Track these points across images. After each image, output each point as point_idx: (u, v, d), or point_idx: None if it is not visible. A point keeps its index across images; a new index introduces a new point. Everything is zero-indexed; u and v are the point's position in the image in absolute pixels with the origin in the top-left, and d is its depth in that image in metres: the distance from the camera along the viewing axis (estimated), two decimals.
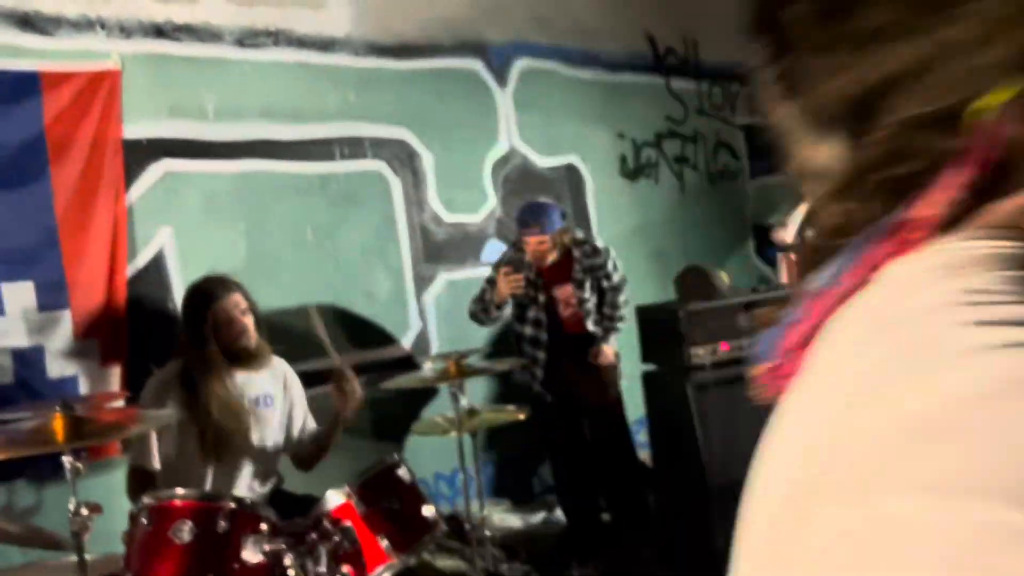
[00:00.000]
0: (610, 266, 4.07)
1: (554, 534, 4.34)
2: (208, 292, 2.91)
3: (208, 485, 2.80)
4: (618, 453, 4.14)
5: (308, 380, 3.29)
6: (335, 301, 4.22)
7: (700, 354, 3.33)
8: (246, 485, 2.92)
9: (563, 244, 3.95)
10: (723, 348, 3.39)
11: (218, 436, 2.81)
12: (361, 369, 4.27)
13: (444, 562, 3.67)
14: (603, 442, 4.16)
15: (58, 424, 1.92)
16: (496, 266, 3.70)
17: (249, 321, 2.92)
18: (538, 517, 4.56)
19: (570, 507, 4.26)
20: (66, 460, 1.94)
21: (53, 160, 3.35)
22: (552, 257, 3.94)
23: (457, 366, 2.52)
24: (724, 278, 3.55)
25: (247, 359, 2.93)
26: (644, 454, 4.65)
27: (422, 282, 4.58)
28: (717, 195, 6.09)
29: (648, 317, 3.63)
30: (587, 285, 4.04)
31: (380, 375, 4.32)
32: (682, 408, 3.34)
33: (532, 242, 3.88)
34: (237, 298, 2.92)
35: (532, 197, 4.56)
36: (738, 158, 6.27)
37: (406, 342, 4.50)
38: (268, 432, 2.98)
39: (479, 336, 4.69)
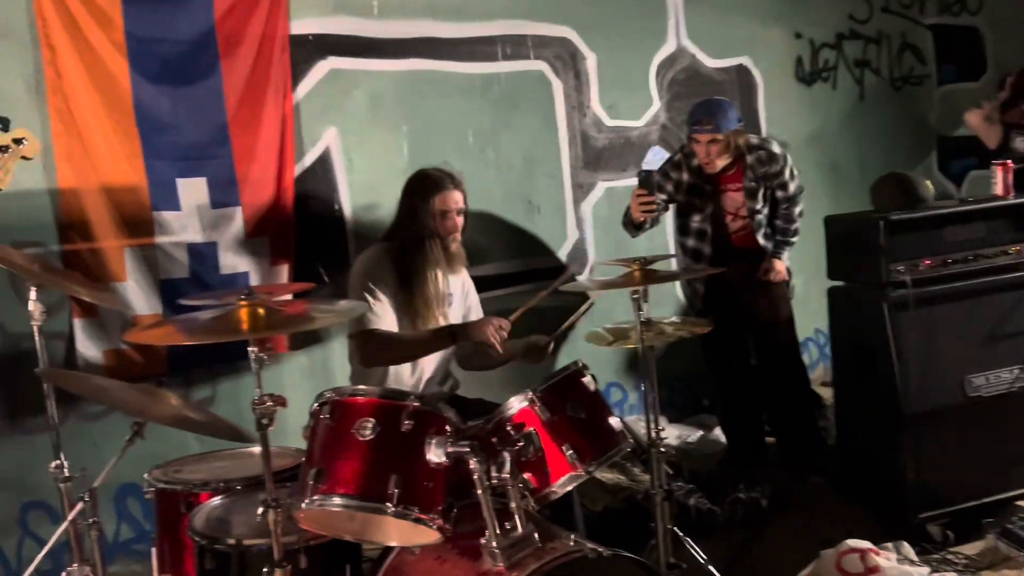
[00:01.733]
0: (787, 174, 3.75)
1: (711, 454, 4.18)
2: (437, 180, 2.90)
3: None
4: (787, 376, 3.90)
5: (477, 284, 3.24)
6: (494, 209, 4.11)
7: (900, 270, 3.02)
8: (422, 383, 2.92)
9: (737, 147, 3.65)
10: (925, 264, 3.06)
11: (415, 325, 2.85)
12: (517, 278, 4.21)
13: (605, 475, 3.58)
14: (771, 364, 3.92)
15: (244, 314, 1.88)
16: (640, 182, 3.38)
17: (461, 221, 2.90)
18: (694, 436, 4.40)
19: (732, 428, 4.07)
20: (252, 350, 1.90)
21: (224, 56, 3.33)
22: (723, 160, 3.64)
23: (643, 271, 2.34)
24: (929, 187, 3.19)
25: (447, 259, 2.89)
26: (814, 374, 4.39)
27: (580, 190, 4.40)
28: (900, 102, 5.56)
29: (839, 228, 3.31)
30: (760, 195, 3.74)
31: (536, 285, 4.24)
32: (876, 328, 3.05)
33: (703, 140, 3.59)
34: (458, 196, 2.90)
35: (700, 99, 4.25)
36: (925, 62, 5.68)
37: (562, 252, 4.36)
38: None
39: (637, 249, 4.49)
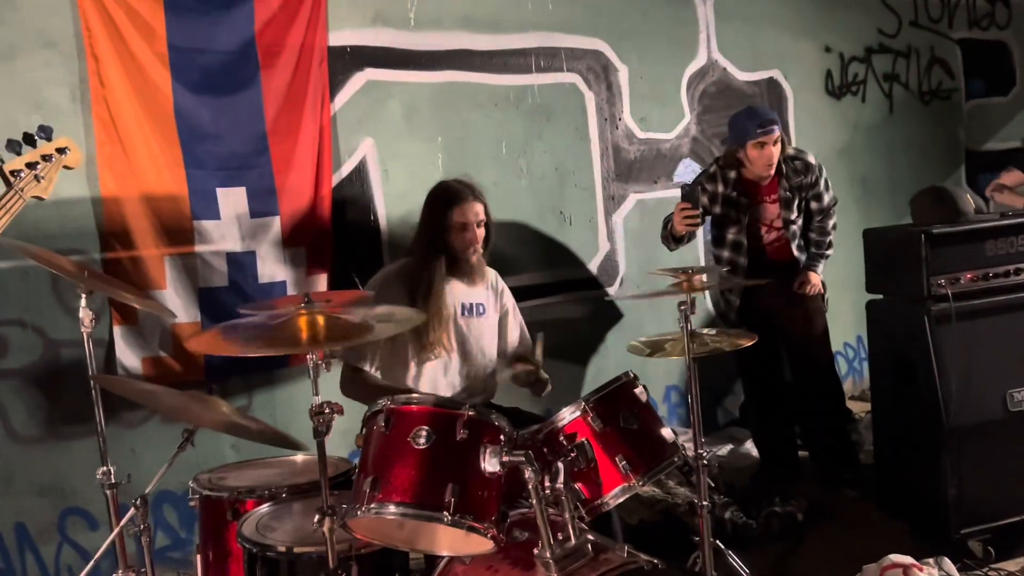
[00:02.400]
0: (821, 185, 3.74)
1: (743, 467, 4.16)
2: (455, 192, 2.90)
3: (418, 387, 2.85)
4: (823, 389, 3.88)
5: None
6: (526, 219, 4.12)
7: (941, 283, 3.00)
8: (452, 391, 2.92)
9: (784, 146, 3.66)
10: (966, 277, 3.04)
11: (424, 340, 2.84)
12: (548, 289, 4.22)
13: (642, 489, 3.55)
14: (806, 377, 3.90)
15: (303, 322, 1.89)
16: (683, 195, 3.40)
17: (481, 233, 2.89)
18: (724, 449, 4.39)
19: (765, 442, 4.05)
20: (311, 359, 1.90)
21: (264, 66, 3.36)
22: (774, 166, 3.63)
23: (690, 282, 2.34)
24: (970, 201, 3.18)
25: (467, 272, 2.89)
26: (844, 387, 4.36)
27: (612, 202, 4.40)
28: (928, 116, 5.56)
29: (878, 241, 3.30)
30: (795, 205, 3.73)
31: (566, 297, 4.25)
32: (917, 342, 3.03)
33: (769, 141, 3.52)
34: (479, 207, 2.90)
35: (730, 113, 4.25)
36: (953, 76, 5.68)
37: (593, 264, 4.36)
38: (481, 342, 2.95)
39: (667, 261, 4.49)
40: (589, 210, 4.33)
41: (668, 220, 3.61)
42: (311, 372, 1.90)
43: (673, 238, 3.62)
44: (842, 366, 5.01)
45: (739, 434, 4.48)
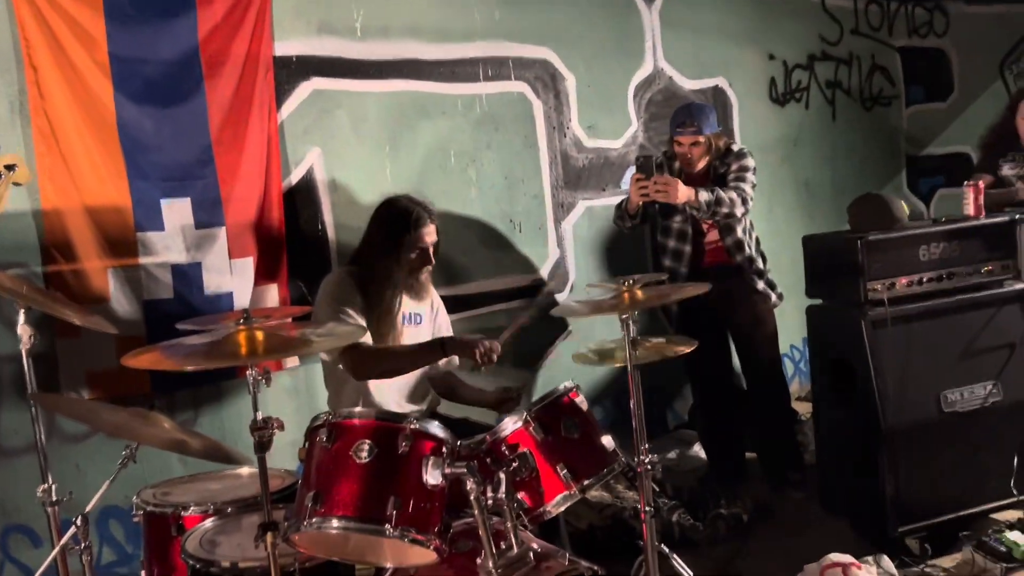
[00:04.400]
0: (749, 173, 3.69)
1: (691, 470, 4.22)
2: (415, 216, 2.87)
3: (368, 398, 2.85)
4: (769, 391, 3.95)
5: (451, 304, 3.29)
6: (476, 228, 4.14)
7: (878, 288, 3.09)
8: (396, 403, 2.93)
9: (717, 149, 3.74)
10: (901, 282, 3.13)
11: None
12: (499, 296, 4.24)
13: (590, 493, 3.59)
14: (753, 379, 3.97)
15: (242, 337, 1.89)
16: (638, 167, 3.53)
17: (432, 253, 2.90)
18: (672, 452, 4.44)
19: (713, 444, 4.12)
20: (250, 373, 1.91)
21: (208, 76, 3.33)
22: (703, 162, 3.73)
23: (631, 295, 2.38)
24: (904, 207, 3.27)
25: (415, 288, 2.90)
26: (790, 389, 4.45)
27: (561, 209, 4.45)
28: (870, 122, 5.70)
29: (817, 247, 3.38)
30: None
31: (519, 304, 4.27)
32: (854, 346, 3.12)
33: (686, 142, 3.67)
34: (433, 228, 2.90)
35: (682, 103, 4.30)
36: (894, 83, 5.84)
37: (544, 271, 4.40)
38: None
39: (617, 267, 4.55)
40: (539, 218, 4.36)
41: (622, 203, 3.73)
42: (251, 388, 1.90)
43: (628, 215, 3.70)
44: (789, 368, 5.11)
45: (688, 437, 4.54)
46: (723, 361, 4.03)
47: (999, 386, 3.20)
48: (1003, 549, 2.95)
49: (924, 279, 3.17)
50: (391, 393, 2.94)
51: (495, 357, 2.73)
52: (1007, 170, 4.12)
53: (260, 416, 1.89)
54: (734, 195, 3.58)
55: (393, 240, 2.86)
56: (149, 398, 3.23)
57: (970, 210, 3.32)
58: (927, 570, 2.99)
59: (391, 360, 2.82)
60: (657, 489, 3.56)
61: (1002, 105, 4.65)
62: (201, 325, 2.03)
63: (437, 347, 2.81)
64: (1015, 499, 3.20)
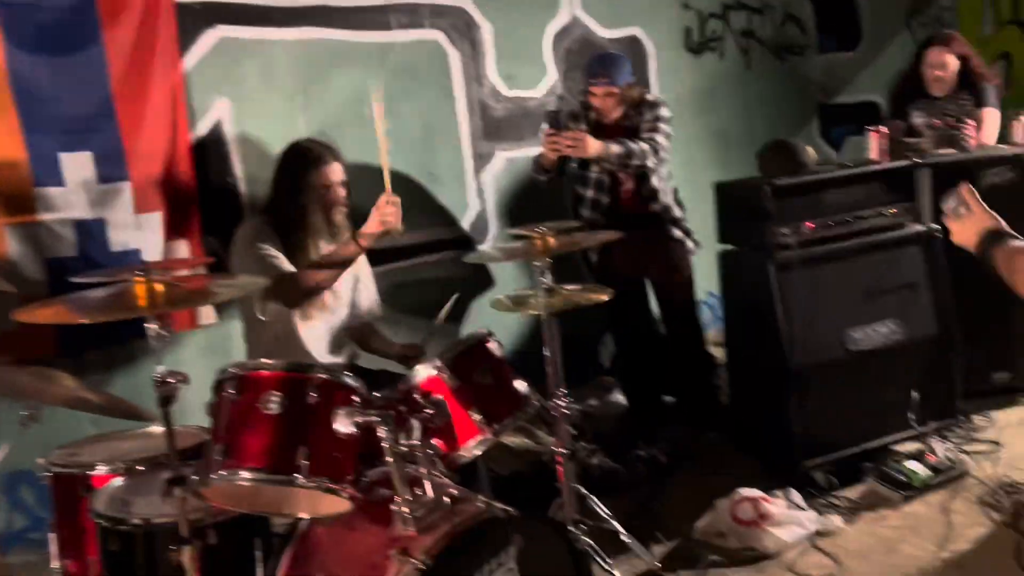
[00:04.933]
0: (662, 124, 3.71)
1: (613, 415, 4.30)
2: (316, 155, 2.88)
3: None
4: (685, 336, 4.04)
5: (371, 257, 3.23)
6: (393, 179, 4.07)
7: (785, 232, 3.17)
8: (316, 355, 2.92)
9: (631, 99, 3.75)
10: (808, 226, 3.22)
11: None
12: (420, 249, 4.21)
13: (512, 440, 3.65)
14: (671, 325, 4.05)
15: (141, 290, 1.84)
16: (548, 122, 3.52)
17: (343, 193, 2.87)
18: (594, 400, 4.52)
19: (633, 389, 4.20)
20: (150, 327, 1.86)
21: (106, 23, 3.19)
22: (618, 112, 3.75)
23: (544, 241, 2.39)
24: (811, 153, 3.35)
25: (333, 233, 2.87)
26: (708, 335, 4.56)
27: (481, 160, 4.42)
28: (783, 71, 5.78)
29: (728, 194, 3.45)
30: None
31: (441, 256, 4.26)
32: (763, 289, 3.20)
33: (599, 93, 3.68)
34: (339, 167, 2.88)
35: (596, 53, 4.30)
36: (805, 32, 5.92)
37: (465, 222, 4.38)
38: (337, 300, 2.95)
39: (538, 218, 4.54)
40: (458, 169, 4.33)
41: (537, 156, 3.74)
42: (151, 341, 1.86)
43: (544, 169, 3.71)
44: (707, 315, 5.22)
45: (610, 384, 4.62)
46: (642, 308, 4.10)
47: (900, 324, 3.33)
48: (902, 478, 3.11)
49: (830, 222, 3.26)
50: (311, 344, 2.92)
51: (393, 207, 2.83)
52: (916, 118, 4.24)
53: (162, 370, 1.85)
54: (645, 146, 3.60)
55: (299, 182, 2.84)
56: (55, 360, 3.13)
57: (873, 155, 3.42)
58: (833, 501, 3.12)
59: (315, 273, 2.83)
60: (577, 434, 3.62)
61: (909, 54, 4.76)
62: (100, 278, 1.97)
63: (351, 242, 2.84)
64: (914, 431, 3.36)
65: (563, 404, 2.56)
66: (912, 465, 3.15)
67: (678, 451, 3.71)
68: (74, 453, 2.46)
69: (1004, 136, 4.09)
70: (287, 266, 2.81)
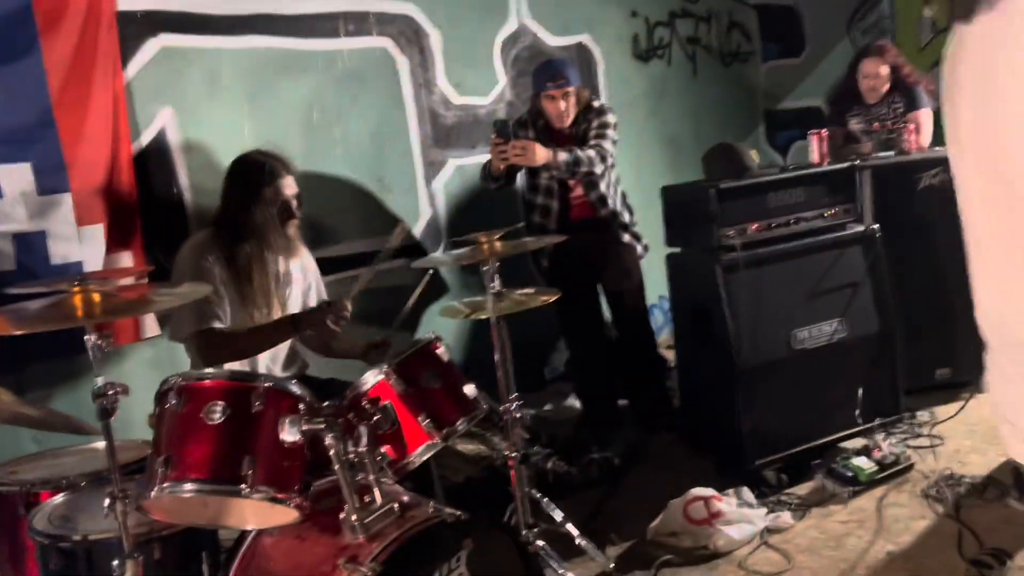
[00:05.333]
0: (609, 130, 3.76)
1: (567, 420, 4.33)
2: (269, 169, 2.81)
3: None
4: (636, 340, 4.08)
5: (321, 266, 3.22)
6: (344, 188, 4.07)
7: (730, 234, 3.22)
8: (265, 366, 2.88)
9: (584, 100, 3.80)
10: (752, 228, 3.27)
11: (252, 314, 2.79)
12: (371, 258, 4.18)
13: (466, 446, 3.65)
14: (623, 329, 4.09)
15: (78, 300, 1.81)
16: (496, 131, 3.53)
17: (296, 206, 2.83)
18: (549, 405, 4.54)
19: (586, 393, 4.22)
20: (89, 338, 1.83)
21: (44, 32, 3.12)
22: (572, 117, 3.78)
23: (491, 246, 2.40)
24: (754, 156, 3.41)
25: (283, 246, 2.83)
26: (660, 338, 4.60)
27: (431, 168, 4.42)
28: (729, 78, 5.89)
29: (674, 198, 3.49)
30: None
31: (392, 263, 4.23)
32: (710, 290, 3.25)
33: (559, 96, 3.70)
34: (291, 180, 2.83)
35: (542, 61, 4.33)
36: (751, 39, 6.04)
37: (417, 230, 4.37)
38: (287, 311, 2.92)
39: (490, 225, 4.55)
40: (408, 177, 4.33)
41: (486, 164, 3.77)
42: (91, 353, 1.83)
43: (493, 177, 3.73)
44: (658, 318, 5.28)
45: (564, 389, 4.65)
46: (594, 312, 4.13)
47: (844, 323, 3.40)
48: (850, 474, 3.16)
49: (773, 224, 3.32)
50: (259, 359, 2.88)
51: (346, 315, 2.70)
52: (854, 124, 4.36)
53: (101, 381, 1.81)
54: (592, 153, 3.63)
55: (251, 196, 2.78)
56: None
57: (815, 158, 3.49)
58: (783, 498, 3.17)
59: (242, 343, 2.73)
60: (530, 438, 3.64)
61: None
62: (37, 289, 1.93)
63: (287, 324, 2.76)
64: (860, 427, 3.43)
65: (515, 409, 2.57)
66: (859, 461, 3.20)
67: (631, 453, 3.74)
68: (13, 471, 2.40)
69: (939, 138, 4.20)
70: (219, 311, 2.71)
